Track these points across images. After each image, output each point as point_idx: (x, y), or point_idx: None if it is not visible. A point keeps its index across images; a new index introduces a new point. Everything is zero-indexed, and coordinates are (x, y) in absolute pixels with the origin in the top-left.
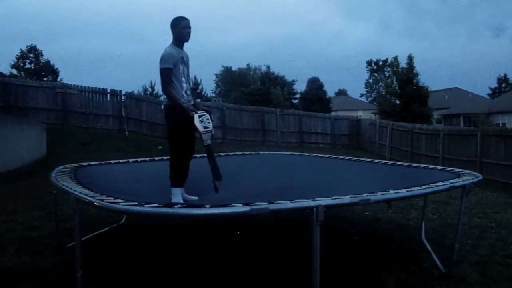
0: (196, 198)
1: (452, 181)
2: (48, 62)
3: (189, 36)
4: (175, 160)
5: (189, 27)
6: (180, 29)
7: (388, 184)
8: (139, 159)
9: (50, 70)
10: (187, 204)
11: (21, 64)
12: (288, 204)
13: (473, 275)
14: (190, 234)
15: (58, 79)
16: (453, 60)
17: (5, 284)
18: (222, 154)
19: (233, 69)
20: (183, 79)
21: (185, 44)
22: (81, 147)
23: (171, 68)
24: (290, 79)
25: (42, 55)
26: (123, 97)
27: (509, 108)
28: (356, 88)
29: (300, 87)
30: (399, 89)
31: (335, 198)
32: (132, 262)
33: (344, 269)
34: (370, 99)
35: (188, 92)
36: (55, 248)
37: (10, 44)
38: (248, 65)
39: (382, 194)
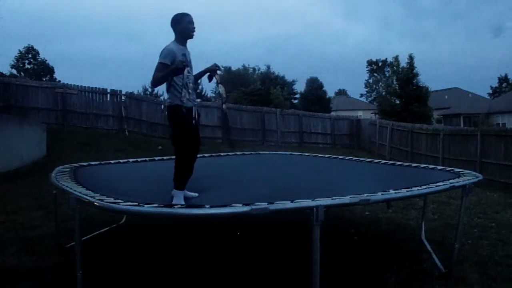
0: (196, 194)
1: (452, 181)
2: (45, 62)
3: (194, 31)
4: (181, 162)
5: (194, 23)
6: (186, 23)
7: (388, 184)
8: (139, 159)
9: (49, 70)
10: (187, 204)
11: (21, 65)
12: (288, 204)
13: (473, 275)
14: (190, 234)
15: (56, 79)
16: (453, 60)
17: (5, 284)
18: (222, 154)
19: (233, 69)
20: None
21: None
22: (81, 147)
23: (168, 64)
24: (290, 79)
25: (38, 54)
26: (123, 97)
27: (509, 108)
28: (356, 88)
29: (300, 87)
30: (399, 89)
31: (335, 198)
32: (132, 262)
33: (344, 269)
34: (370, 99)
35: (191, 91)
36: (55, 248)
37: (12, 44)
38: (244, 65)
39: (382, 194)
